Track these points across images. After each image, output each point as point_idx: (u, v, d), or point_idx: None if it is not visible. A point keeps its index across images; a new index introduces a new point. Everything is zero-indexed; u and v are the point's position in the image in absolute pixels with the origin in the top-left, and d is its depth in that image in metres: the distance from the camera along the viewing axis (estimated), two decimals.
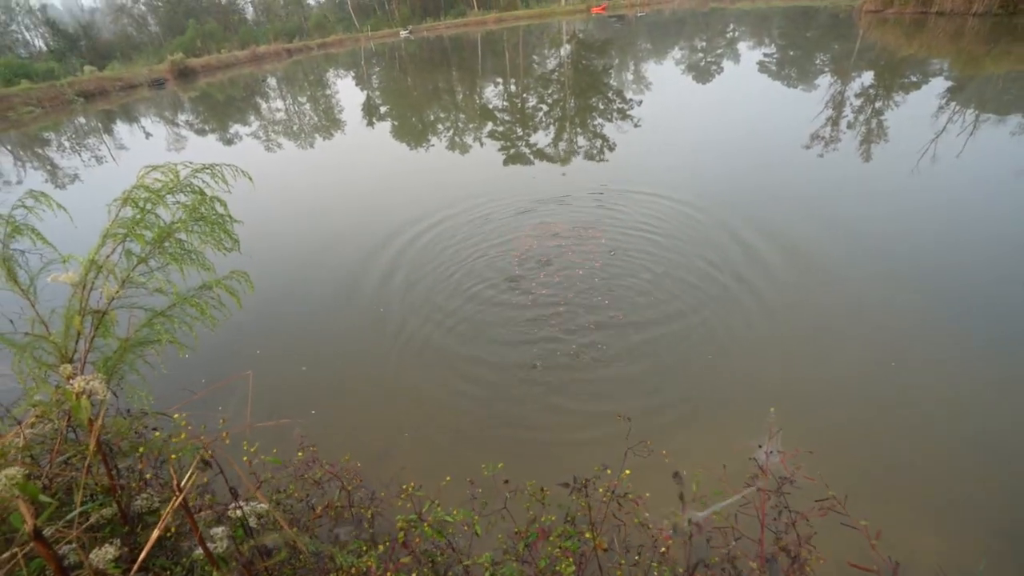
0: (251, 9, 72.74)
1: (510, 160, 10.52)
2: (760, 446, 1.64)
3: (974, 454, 3.23)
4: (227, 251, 1.63)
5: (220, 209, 1.61)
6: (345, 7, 72.13)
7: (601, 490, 1.63)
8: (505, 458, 3.37)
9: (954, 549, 2.73)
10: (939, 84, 12.58)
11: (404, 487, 1.80)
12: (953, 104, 10.60)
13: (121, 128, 23.87)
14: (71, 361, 1.45)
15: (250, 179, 1.76)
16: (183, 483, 1.23)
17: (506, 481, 1.75)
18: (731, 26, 31.42)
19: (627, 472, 1.72)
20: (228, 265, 1.75)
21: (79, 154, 18.30)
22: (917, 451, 3.28)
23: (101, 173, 14.56)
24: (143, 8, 62.91)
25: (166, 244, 1.54)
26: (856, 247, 5.59)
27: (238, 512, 1.47)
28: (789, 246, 5.74)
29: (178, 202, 1.58)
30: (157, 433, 1.92)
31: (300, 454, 2.14)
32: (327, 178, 11.42)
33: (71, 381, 1.32)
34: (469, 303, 5.34)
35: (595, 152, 10.33)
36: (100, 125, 25.63)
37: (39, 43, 54.90)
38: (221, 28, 60.77)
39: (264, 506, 1.39)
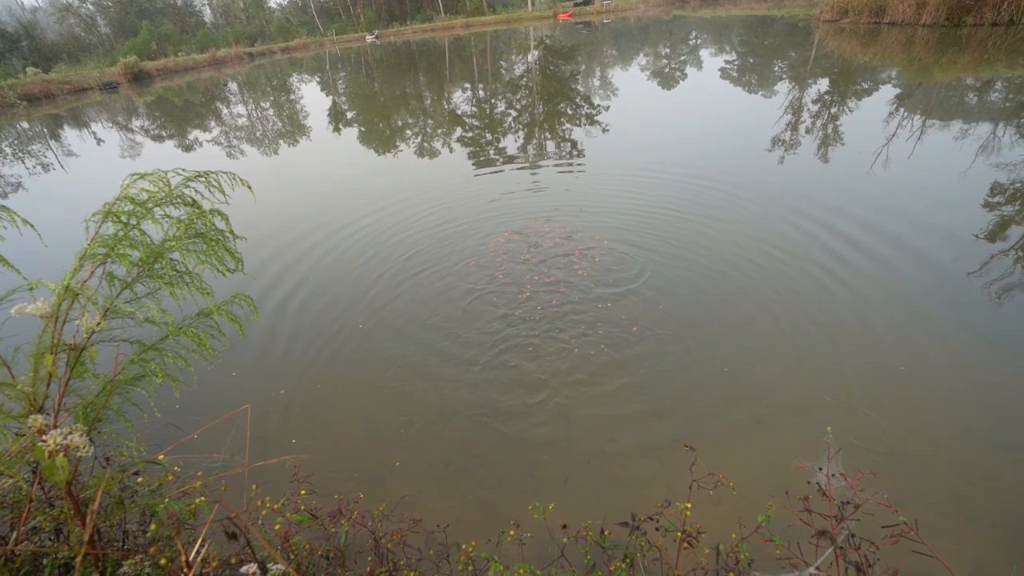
0: (209, 12, 70.43)
1: (479, 165, 10.38)
2: (820, 468, 1.53)
3: (983, 453, 3.24)
4: (230, 272, 1.41)
5: (220, 224, 1.39)
6: (308, 11, 70.73)
7: (679, 535, 1.48)
8: (512, 487, 3.21)
9: (982, 554, 2.71)
10: (892, 91, 13.13)
11: (464, 548, 1.60)
12: (903, 110, 11.07)
13: (70, 134, 22.53)
14: (41, 410, 1.21)
15: (249, 188, 1.55)
16: (192, 557, 1.02)
17: (564, 526, 1.58)
18: (693, 33, 32.22)
19: (687, 505, 1.58)
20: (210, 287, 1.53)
21: (23, 161, 17.16)
22: (920, 451, 3.27)
23: (48, 182, 13.65)
24: (91, 8, 59.92)
25: (157, 266, 1.31)
26: (835, 250, 5.66)
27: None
28: (761, 247, 5.78)
29: (168, 216, 1.35)
30: (140, 479, 1.67)
31: (303, 492, 1.92)
32: (294, 185, 10.99)
33: (44, 436, 1.08)
34: (446, 308, 5.15)
35: (564, 156, 10.34)
36: (46, 130, 24.15)
37: None
38: (178, 31, 58.50)
39: (280, 566, 1.18)
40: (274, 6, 74.10)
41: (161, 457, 1.76)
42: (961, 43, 16.53)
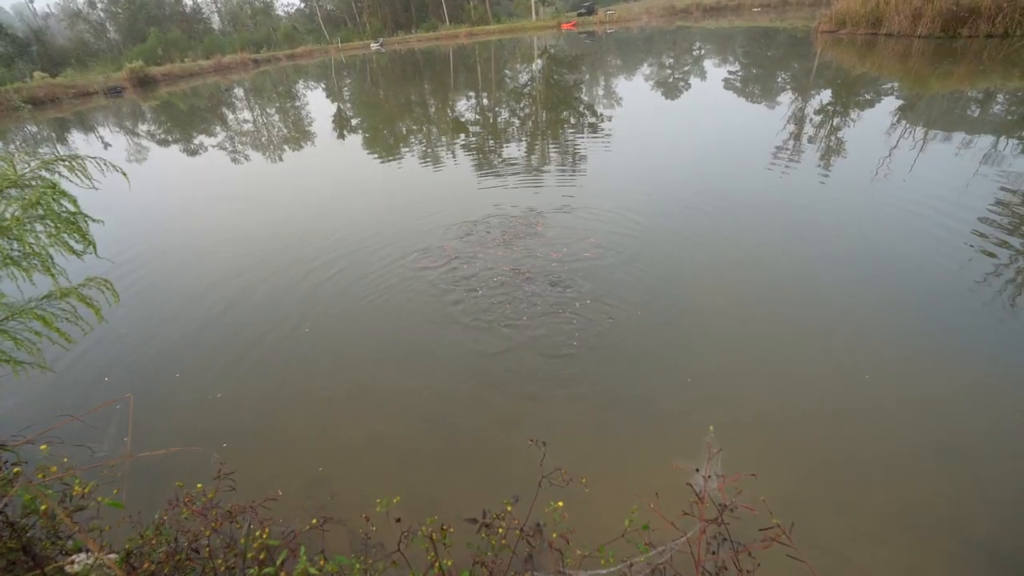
0: (217, 19, 71.49)
1: (482, 172, 10.33)
2: (697, 470, 1.48)
3: (937, 462, 3.17)
4: (79, 254, 1.39)
5: (69, 205, 1.37)
6: (315, 19, 71.68)
7: (501, 530, 1.44)
8: (445, 486, 3.16)
9: (916, 561, 2.64)
10: (891, 102, 13.09)
11: (257, 533, 1.55)
12: (904, 121, 11.00)
13: (76, 137, 22.78)
14: None
15: (124, 175, 1.53)
16: None
17: (398, 520, 1.53)
18: (697, 44, 32.34)
19: (560, 504, 1.53)
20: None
21: (27, 165, 17.33)
22: (873, 460, 3.21)
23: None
24: (101, 15, 60.98)
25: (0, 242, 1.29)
26: (817, 256, 5.62)
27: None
28: (745, 253, 5.74)
29: (24, 197, 1.34)
30: (17, 469, 1.64)
31: (200, 486, 1.88)
32: (282, 188, 11.06)
33: None
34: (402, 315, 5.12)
35: (568, 165, 10.27)
36: (53, 134, 24.44)
37: None
38: (185, 37, 59.38)
39: (92, 555, 1.14)
40: (282, 14, 75.17)
41: (43, 447, 1.73)
42: (956, 55, 16.49)
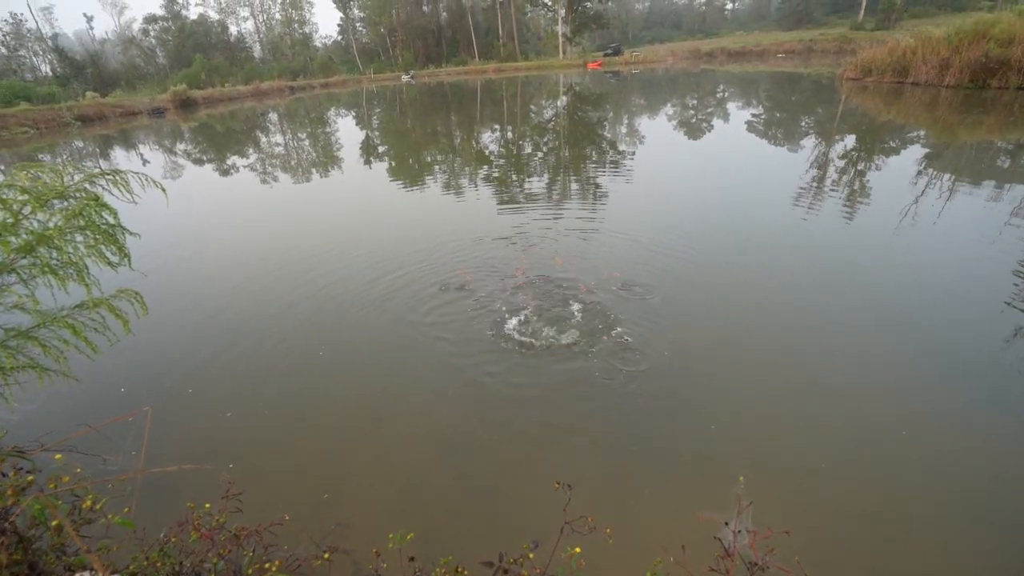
0: (259, 48, 75.36)
1: (504, 202, 10.46)
2: (727, 523, 1.40)
3: (976, 530, 2.97)
4: (114, 266, 1.41)
5: (109, 218, 1.40)
6: (351, 50, 75.03)
7: None
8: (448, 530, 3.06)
9: None
10: (917, 150, 12.99)
11: (267, 566, 1.50)
12: (931, 169, 10.87)
13: (118, 153, 23.84)
14: None
15: (163, 191, 1.57)
16: None
17: (411, 558, 1.46)
18: (721, 86, 32.82)
19: (577, 550, 1.45)
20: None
21: (73, 178, 18.08)
22: (913, 523, 3.01)
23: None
24: (153, 41, 64.87)
25: (40, 251, 1.32)
26: (842, 302, 5.48)
27: None
28: (769, 295, 5.63)
29: (67, 208, 1.37)
30: (31, 477, 1.63)
31: (208, 505, 1.84)
32: (308, 211, 11.33)
33: None
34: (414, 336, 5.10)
35: (590, 199, 10.35)
36: (97, 149, 25.64)
37: (46, 68, 56.09)
38: (227, 64, 62.58)
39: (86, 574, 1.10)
40: (319, 45, 78.94)
41: (58, 456, 1.72)
42: (986, 105, 16.40)
